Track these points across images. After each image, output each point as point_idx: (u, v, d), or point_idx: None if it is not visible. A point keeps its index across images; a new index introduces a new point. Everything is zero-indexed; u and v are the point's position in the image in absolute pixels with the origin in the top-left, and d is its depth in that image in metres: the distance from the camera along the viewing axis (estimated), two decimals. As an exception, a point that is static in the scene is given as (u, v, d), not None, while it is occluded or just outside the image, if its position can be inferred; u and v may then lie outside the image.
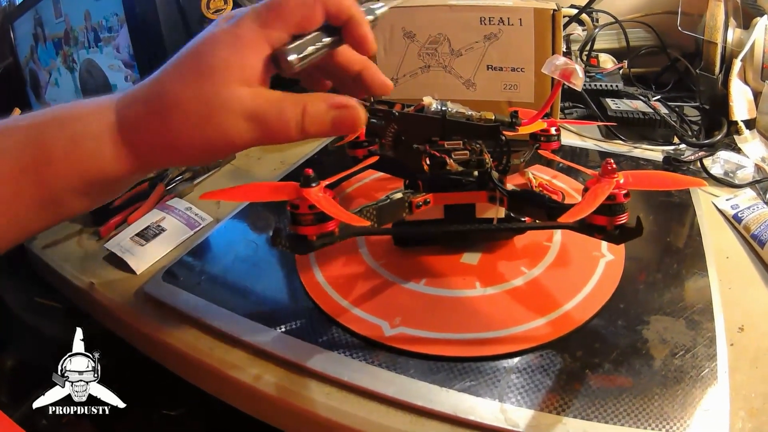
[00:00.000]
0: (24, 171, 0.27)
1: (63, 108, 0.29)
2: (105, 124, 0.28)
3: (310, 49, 0.29)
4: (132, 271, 0.46)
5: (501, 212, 0.41)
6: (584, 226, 0.34)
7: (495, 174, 0.41)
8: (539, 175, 0.51)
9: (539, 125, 0.46)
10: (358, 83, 0.34)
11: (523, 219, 0.43)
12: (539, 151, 0.49)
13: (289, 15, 0.28)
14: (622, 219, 0.33)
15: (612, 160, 0.33)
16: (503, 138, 0.39)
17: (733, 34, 0.64)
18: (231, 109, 0.27)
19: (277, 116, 0.28)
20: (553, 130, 0.49)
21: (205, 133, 0.28)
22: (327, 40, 0.30)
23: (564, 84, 0.39)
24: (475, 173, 0.41)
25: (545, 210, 0.38)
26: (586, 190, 0.33)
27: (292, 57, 0.28)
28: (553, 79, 0.40)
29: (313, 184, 0.32)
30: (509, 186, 0.41)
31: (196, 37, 0.29)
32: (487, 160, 0.41)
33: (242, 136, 0.28)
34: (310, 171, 0.32)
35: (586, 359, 0.34)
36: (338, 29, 0.30)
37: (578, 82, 0.37)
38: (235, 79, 0.27)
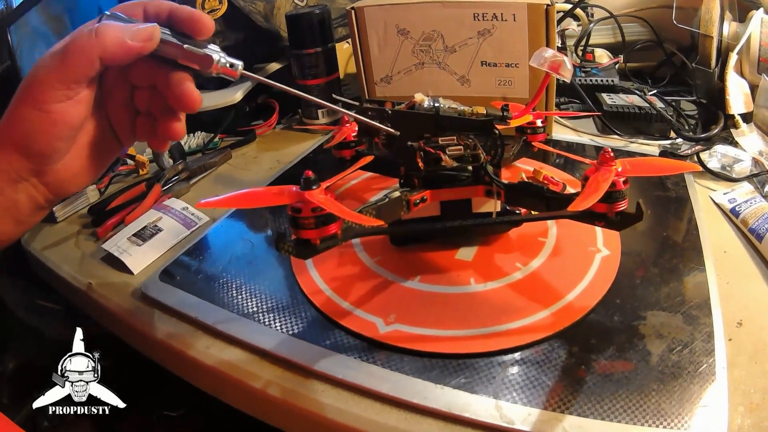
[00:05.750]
0: None
1: None
2: None
3: None
4: (129, 271, 0.46)
5: (497, 205, 0.41)
6: (585, 215, 0.34)
7: (490, 168, 0.40)
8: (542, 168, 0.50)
9: (526, 118, 0.46)
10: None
11: (518, 211, 0.43)
12: (534, 144, 0.49)
13: None
14: (622, 205, 0.33)
15: (609, 149, 0.33)
16: (497, 132, 0.39)
17: (729, 27, 0.63)
18: None
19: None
20: (539, 123, 0.49)
21: None
22: None
23: (557, 78, 0.39)
24: (470, 168, 0.41)
25: (544, 201, 0.38)
26: (585, 179, 0.33)
27: None
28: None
29: (314, 187, 0.31)
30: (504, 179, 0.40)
31: None
32: (481, 155, 0.41)
33: None
34: (310, 173, 0.31)
35: (582, 355, 0.34)
36: None
37: (567, 74, 0.37)
38: None
